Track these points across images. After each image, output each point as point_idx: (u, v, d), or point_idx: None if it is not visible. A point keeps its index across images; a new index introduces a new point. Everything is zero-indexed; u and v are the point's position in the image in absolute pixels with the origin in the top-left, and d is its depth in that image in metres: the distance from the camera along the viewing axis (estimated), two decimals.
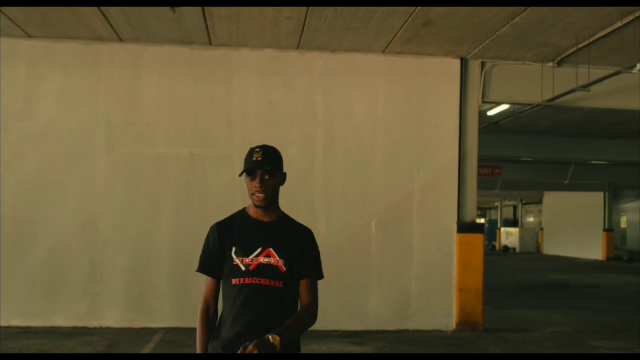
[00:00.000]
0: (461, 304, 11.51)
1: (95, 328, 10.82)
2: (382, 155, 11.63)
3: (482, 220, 57.77)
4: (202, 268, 3.61)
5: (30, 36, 10.86)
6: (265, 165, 3.44)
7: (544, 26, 9.86)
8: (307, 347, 9.58)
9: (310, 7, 9.25)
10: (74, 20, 10.08)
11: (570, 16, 9.36)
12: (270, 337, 3.16)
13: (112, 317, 11.01)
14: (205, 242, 3.64)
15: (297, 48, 11.28)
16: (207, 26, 10.22)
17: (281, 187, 3.60)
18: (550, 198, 42.64)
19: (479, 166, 25.55)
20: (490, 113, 16.82)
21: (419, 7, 9.14)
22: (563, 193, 37.60)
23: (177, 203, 11.19)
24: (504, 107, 15.83)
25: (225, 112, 11.39)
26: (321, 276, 3.63)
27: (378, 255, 11.54)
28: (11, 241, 10.90)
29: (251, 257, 3.49)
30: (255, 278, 3.46)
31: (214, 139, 11.24)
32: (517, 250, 44.57)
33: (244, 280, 3.48)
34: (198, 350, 3.55)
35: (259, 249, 3.49)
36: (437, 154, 11.73)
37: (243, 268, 3.48)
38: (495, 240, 49.51)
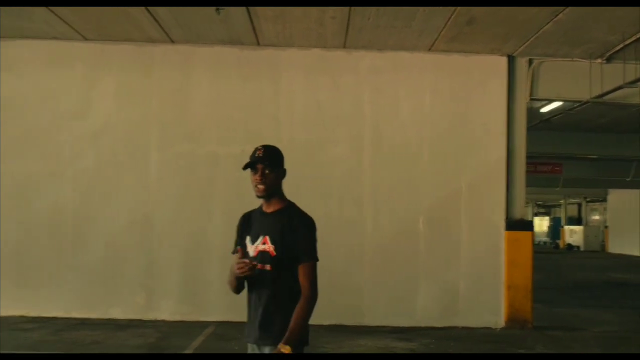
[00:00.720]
0: (510, 301, 11.47)
1: (150, 321, 11.14)
2: (429, 153, 11.66)
3: (546, 218, 57.03)
4: (235, 250, 4.06)
5: (86, 39, 11.25)
6: (265, 161, 3.90)
7: (587, 23, 9.78)
8: (353, 342, 9.81)
9: (352, 7, 9.37)
10: (127, 23, 10.42)
11: (613, 13, 9.27)
12: (281, 347, 3.60)
13: (167, 311, 11.35)
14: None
15: (344, 47, 11.39)
16: (253, 27, 10.43)
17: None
18: (615, 196, 41.73)
19: (538, 164, 25.23)
20: (544, 110, 16.68)
21: (459, 6, 9.20)
22: (628, 191, 36.71)
23: (228, 201, 11.31)
24: (557, 104, 15.67)
25: (273, 111, 11.57)
26: (311, 259, 3.89)
27: (426, 252, 11.59)
28: (72, 236, 11.38)
29: (256, 244, 3.93)
30: (257, 263, 3.86)
31: (262, 138, 11.19)
32: (581, 248, 43.77)
33: None
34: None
35: (260, 237, 3.92)
36: (484, 152, 11.70)
37: (251, 254, 3.93)
38: (559, 238, 48.76)
